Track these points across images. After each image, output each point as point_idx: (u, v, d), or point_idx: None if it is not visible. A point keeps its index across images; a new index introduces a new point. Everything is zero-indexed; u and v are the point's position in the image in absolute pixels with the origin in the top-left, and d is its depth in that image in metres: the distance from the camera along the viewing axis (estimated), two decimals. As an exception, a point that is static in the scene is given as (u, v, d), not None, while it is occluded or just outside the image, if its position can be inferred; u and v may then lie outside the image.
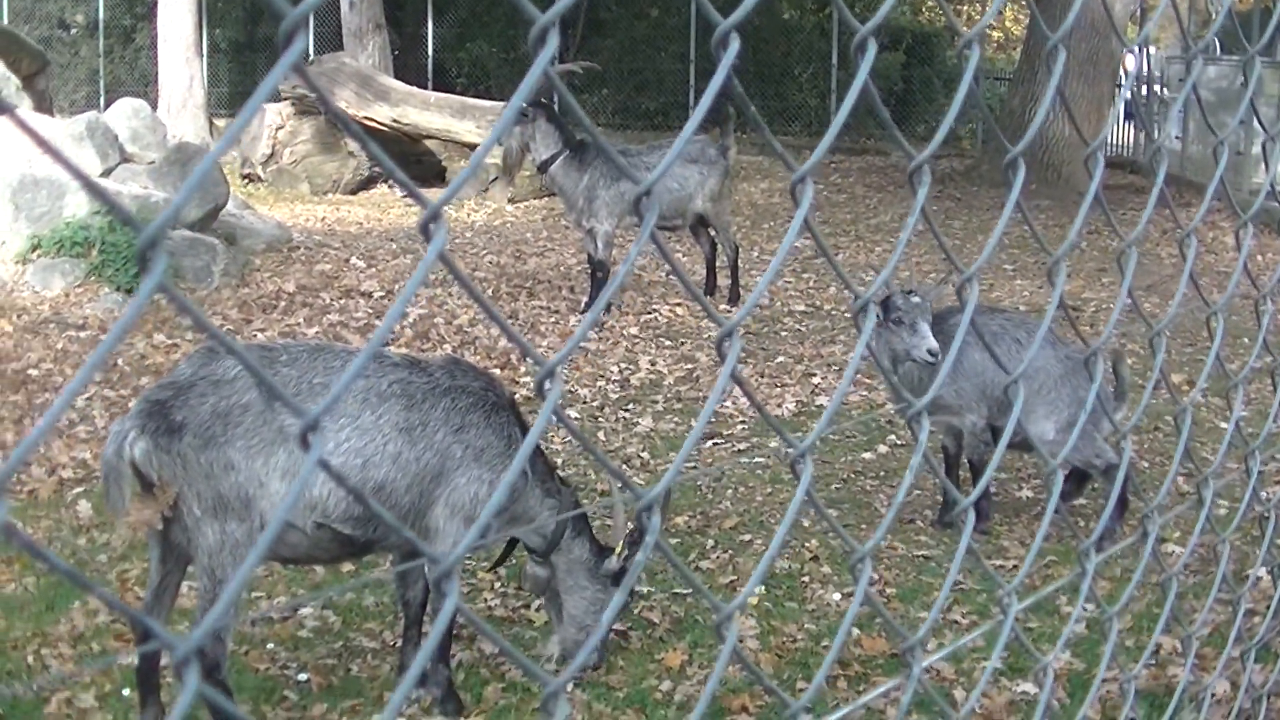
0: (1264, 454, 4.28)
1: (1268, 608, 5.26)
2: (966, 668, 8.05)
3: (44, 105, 21.90)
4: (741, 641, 8.35)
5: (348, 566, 9.11)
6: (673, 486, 10.99)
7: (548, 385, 1.75)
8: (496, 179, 25.56)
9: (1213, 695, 6.93)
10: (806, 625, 8.61)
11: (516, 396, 8.02)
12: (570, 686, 7.81)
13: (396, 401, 7.23)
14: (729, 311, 17.22)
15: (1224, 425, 12.24)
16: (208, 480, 6.83)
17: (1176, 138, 29.78)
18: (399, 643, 8.30)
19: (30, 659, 8.07)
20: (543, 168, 16.95)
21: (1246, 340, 14.80)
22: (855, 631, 8.46)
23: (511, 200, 26.29)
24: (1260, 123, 4.54)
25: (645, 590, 8.98)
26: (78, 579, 1.26)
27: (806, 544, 9.87)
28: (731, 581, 9.23)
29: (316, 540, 7.14)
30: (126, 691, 7.68)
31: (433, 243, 1.54)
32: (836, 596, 9.06)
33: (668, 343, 15.88)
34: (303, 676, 7.96)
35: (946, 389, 9.92)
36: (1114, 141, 33.96)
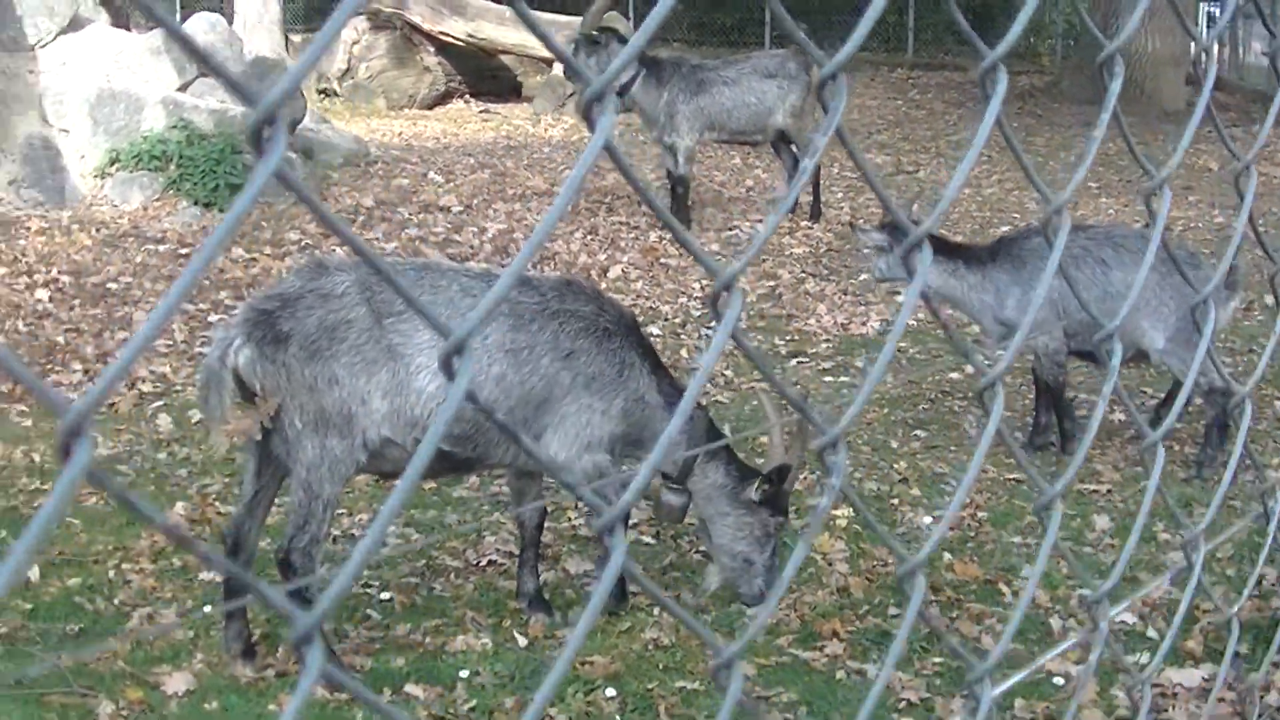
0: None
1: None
2: (1062, 595, 7.89)
3: (120, 20, 21.76)
4: (830, 565, 8.21)
5: (429, 484, 9.00)
6: (758, 405, 10.86)
7: (724, 299, 1.52)
8: (574, 94, 25.34)
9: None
10: (897, 549, 8.45)
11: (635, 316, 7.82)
12: (658, 610, 7.69)
13: (504, 321, 7.07)
14: (810, 228, 17.01)
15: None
16: (311, 393, 6.74)
17: (1263, 54, 29.27)
18: (482, 561, 8.21)
19: (111, 573, 8.01)
20: (622, 91, 16.78)
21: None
22: (947, 556, 8.30)
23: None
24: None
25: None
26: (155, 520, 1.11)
27: (895, 466, 9.71)
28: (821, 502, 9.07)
29: None
30: (208, 608, 7.60)
31: (599, 126, 1.33)
32: (927, 520, 8.89)
33: (750, 259, 15.67)
34: (385, 595, 7.86)
35: (1011, 307, 9.73)
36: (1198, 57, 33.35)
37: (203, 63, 1.10)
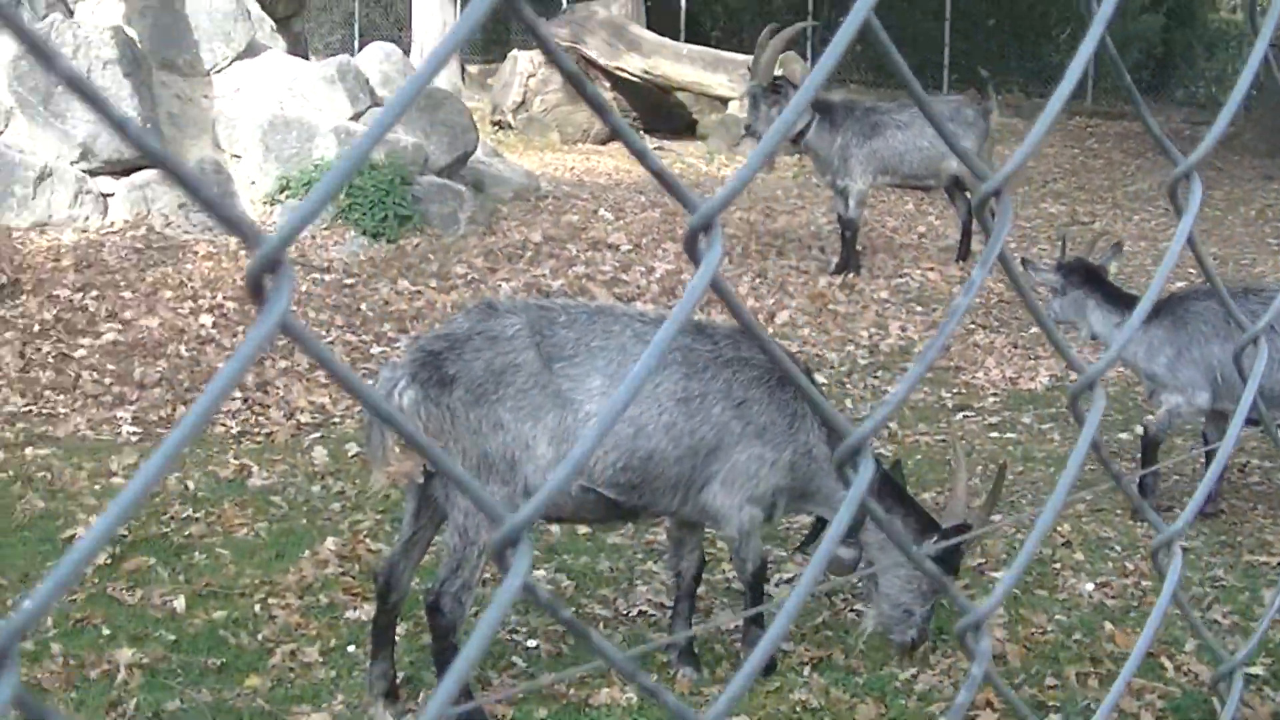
0: None
1: None
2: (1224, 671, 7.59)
3: (299, 48, 21.97)
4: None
5: (583, 529, 8.89)
6: (921, 459, 10.63)
7: (850, 472, 1.34)
8: (746, 136, 25.29)
9: None
10: (1057, 616, 8.19)
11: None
12: (808, 670, 7.51)
13: (677, 369, 7.00)
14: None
15: None
16: (474, 437, 6.67)
17: None
18: (632, 611, 8.09)
19: (257, 608, 7.97)
20: (797, 139, 16.68)
21: None
22: (1108, 626, 8.03)
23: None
24: None
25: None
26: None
27: (1059, 528, 9.42)
28: (979, 565, 8.84)
29: (581, 503, 6.98)
30: (352, 648, 7.55)
31: (705, 260, 1.15)
32: (1089, 586, 8.62)
33: (919, 308, 15.45)
34: (532, 643, 7.75)
35: (1160, 364, 9.58)
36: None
37: (194, 194, 0.96)
